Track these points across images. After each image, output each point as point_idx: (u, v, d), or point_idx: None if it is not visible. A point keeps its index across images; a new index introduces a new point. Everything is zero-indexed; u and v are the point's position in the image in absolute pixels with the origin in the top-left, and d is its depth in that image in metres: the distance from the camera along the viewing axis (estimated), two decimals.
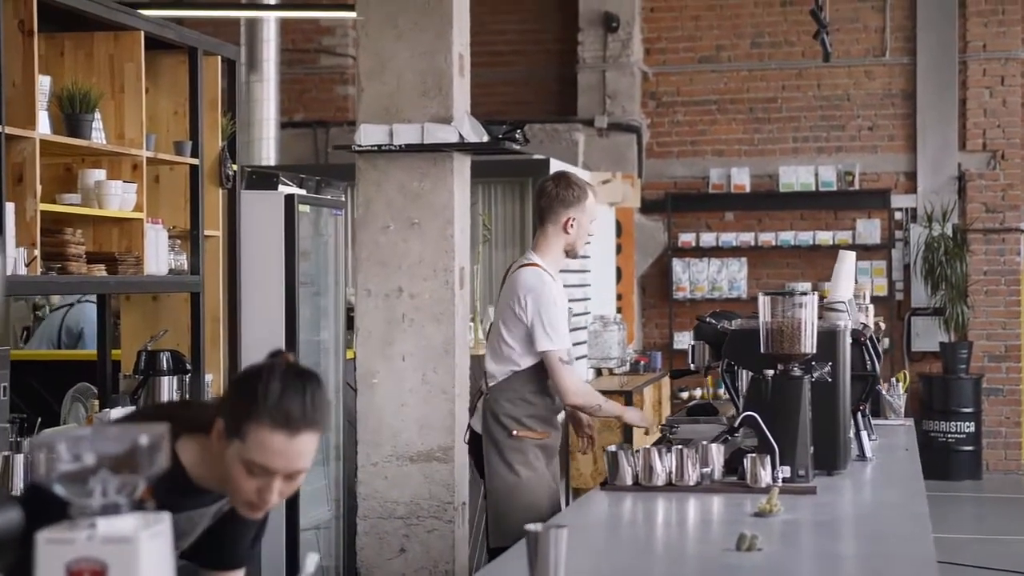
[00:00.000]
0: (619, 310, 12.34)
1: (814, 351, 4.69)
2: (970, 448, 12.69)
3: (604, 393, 8.81)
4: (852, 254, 6.11)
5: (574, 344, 5.90)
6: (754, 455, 4.48)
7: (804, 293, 4.73)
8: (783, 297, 4.72)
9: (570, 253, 5.41)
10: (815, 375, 4.77)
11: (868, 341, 5.41)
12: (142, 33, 5.45)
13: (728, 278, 13.33)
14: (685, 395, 12.50)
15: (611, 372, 10.84)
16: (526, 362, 5.25)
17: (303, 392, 2.63)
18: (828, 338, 4.85)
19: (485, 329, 8.81)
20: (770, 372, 4.67)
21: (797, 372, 4.68)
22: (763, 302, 4.72)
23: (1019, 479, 12.91)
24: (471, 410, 5.55)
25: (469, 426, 5.50)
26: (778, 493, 4.15)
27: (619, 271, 12.65)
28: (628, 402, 9.56)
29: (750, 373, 4.89)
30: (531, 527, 2.93)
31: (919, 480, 5.01)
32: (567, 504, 6.81)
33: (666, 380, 11.47)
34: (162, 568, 1.90)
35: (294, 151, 13.26)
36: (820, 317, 5.40)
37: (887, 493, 4.79)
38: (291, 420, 2.59)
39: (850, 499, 4.59)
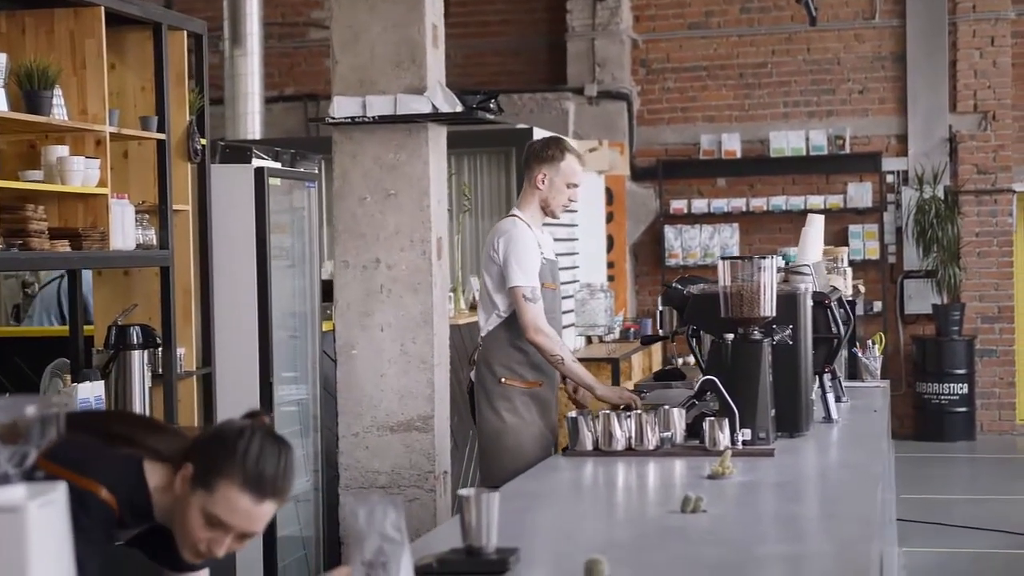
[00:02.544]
0: (611, 278, 12.35)
1: (774, 314, 4.71)
2: (964, 409, 12.71)
3: (591, 361, 8.89)
4: (820, 218, 6.13)
5: (562, 312, 5.95)
6: (713, 418, 4.50)
7: (763, 257, 4.74)
8: (743, 261, 4.73)
9: (546, 211, 5.51)
10: (775, 338, 4.79)
11: (833, 304, 5.42)
12: (102, 8, 5.44)
13: (720, 244, 13.32)
14: (680, 361, 12.49)
15: (600, 340, 10.87)
16: (505, 306, 5.37)
17: (278, 458, 2.70)
18: (789, 301, 4.86)
19: (467, 299, 8.85)
20: (730, 336, 4.70)
21: (757, 335, 4.70)
22: (722, 266, 4.74)
23: (1013, 439, 12.93)
24: (471, 363, 5.66)
25: (470, 377, 5.62)
26: (731, 456, 4.17)
27: (611, 239, 12.66)
28: (615, 369, 9.60)
29: (711, 337, 4.91)
30: (463, 492, 2.97)
31: (881, 441, 5.03)
32: None
33: (657, 347, 11.49)
34: (53, 537, 1.92)
35: (284, 124, 13.27)
36: (785, 281, 5.43)
37: (846, 454, 4.81)
38: (263, 485, 2.67)
39: (808, 461, 4.60)
